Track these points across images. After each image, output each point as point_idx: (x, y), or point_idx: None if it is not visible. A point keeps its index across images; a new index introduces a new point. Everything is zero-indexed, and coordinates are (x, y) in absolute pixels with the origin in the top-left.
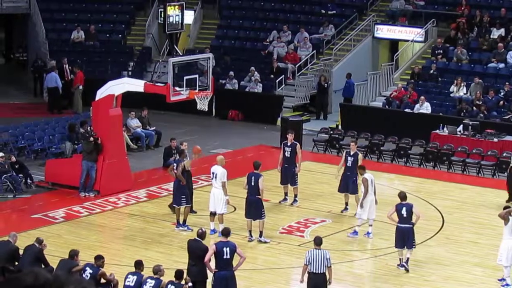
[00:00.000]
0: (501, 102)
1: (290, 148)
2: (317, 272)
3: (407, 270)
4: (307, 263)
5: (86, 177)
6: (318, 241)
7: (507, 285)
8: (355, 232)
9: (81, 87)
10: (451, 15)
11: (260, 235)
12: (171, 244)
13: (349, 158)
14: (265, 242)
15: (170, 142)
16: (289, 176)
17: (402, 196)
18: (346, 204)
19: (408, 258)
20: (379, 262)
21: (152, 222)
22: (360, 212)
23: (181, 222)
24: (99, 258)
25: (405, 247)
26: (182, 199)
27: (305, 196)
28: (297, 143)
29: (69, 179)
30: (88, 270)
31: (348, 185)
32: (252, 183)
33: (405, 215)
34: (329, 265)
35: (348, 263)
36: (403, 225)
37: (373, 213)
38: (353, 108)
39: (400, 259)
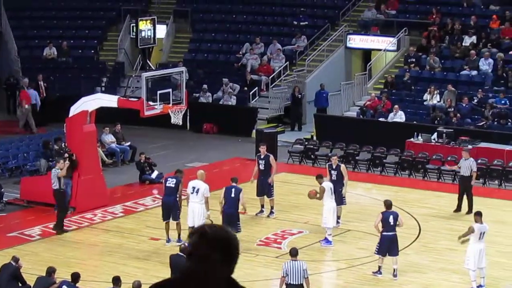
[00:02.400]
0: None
1: (263, 161)
2: (294, 283)
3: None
4: (285, 275)
5: None
6: (294, 252)
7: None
8: (327, 241)
9: (27, 106)
10: (423, 24)
11: None
12: (148, 259)
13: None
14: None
15: (139, 156)
16: (265, 188)
17: (389, 204)
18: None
19: (395, 268)
20: (357, 272)
21: (129, 238)
22: (325, 220)
23: (172, 238)
24: (75, 276)
25: (389, 255)
26: (177, 214)
27: (281, 208)
28: (270, 155)
29: (44, 197)
30: None
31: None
32: (232, 195)
33: (392, 223)
34: (306, 276)
35: (327, 274)
36: (390, 233)
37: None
38: (327, 118)
39: (379, 266)
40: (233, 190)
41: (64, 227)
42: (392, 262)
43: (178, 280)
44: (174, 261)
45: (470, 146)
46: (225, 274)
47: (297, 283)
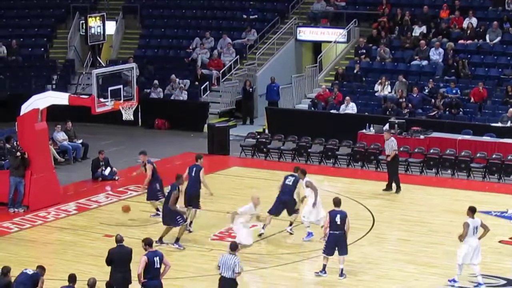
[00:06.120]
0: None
1: (144, 168)
2: (226, 276)
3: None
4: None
5: (14, 193)
6: (233, 247)
7: (454, 281)
8: (310, 234)
9: None
10: (373, 15)
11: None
12: (103, 256)
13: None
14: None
15: (98, 155)
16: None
17: (337, 201)
18: None
19: (342, 268)
20: (312, 264)
21: (83, 235)
22: (306, 215)
23: (164, 240)
24: (41, 268)
25: (338, 254)
26: (178, 219)
27: (235, 202)
28: (147, 162)
29: None
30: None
31: None
32: (193, 174)
33: (338, 222)
34: (237, 271)
35: (281, 267)
36: (337, 232)
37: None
38: (279, 111)
39: (324, 265)
40: (194, 169)
41: None
42: (339, 262)
43: None
44: (117, 253)
45: (422, 136)
46: None
47: (228, 276)
